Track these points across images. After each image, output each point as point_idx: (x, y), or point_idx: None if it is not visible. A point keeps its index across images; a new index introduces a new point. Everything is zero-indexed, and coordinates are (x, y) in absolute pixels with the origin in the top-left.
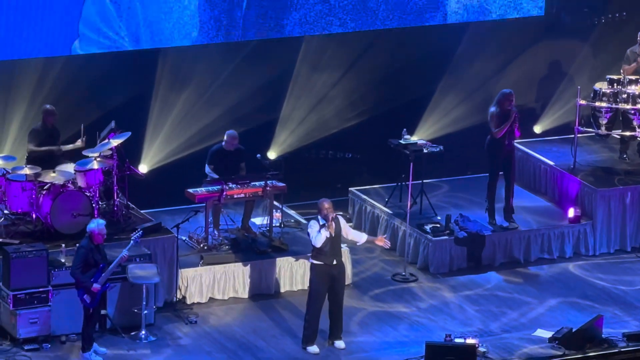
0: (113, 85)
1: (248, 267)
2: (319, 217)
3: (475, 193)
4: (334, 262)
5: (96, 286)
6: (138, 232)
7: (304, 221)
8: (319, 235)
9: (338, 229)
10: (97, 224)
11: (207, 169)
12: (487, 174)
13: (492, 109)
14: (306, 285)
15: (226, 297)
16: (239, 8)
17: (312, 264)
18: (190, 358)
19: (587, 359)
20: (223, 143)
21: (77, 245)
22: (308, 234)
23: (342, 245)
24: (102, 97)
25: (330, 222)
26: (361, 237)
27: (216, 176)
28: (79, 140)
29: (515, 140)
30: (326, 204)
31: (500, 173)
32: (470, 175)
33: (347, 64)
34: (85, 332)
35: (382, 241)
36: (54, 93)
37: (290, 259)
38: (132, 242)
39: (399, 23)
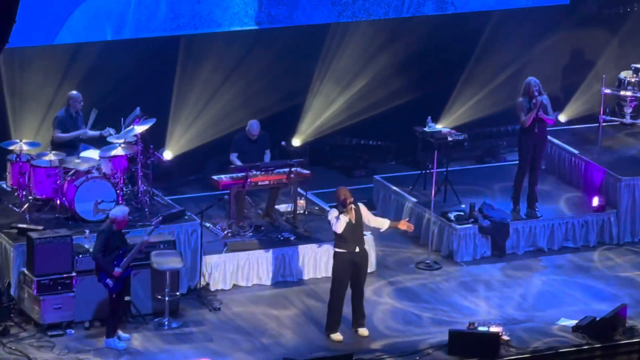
0: (139, 71)
1: (272, 254)
2: (338, 204)
3: (499, 181)
4: (357, 250)
5: (118, 270)
6: (158, 217)
7: (328, 208)
8: (338, 222)
9: (359, 216)
10: (120, 211)
11: (232, 156)
12: (513, 162)
13: (519, 99)
14: (329, 273)
15: (250, 284)
16: None
17: (335, 251)
18: (213, 345)
19: (612, 347)
20: (246, 131)
21: (98, 229)
22: (329, 222)
23: (366, 233)
24: (127, 83)
25: (349, 207)
26: (384, 224)
27: (240, 163)
28: (104, 131)
29: (547, 128)
30: (343, 191)
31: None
32: (494, 164)
33: (373, 52)
34: (110, 318)
35: (405, 225)
36: (78, 79)
37: (314, 246)
38: (152, 226)
39: (425, 10)
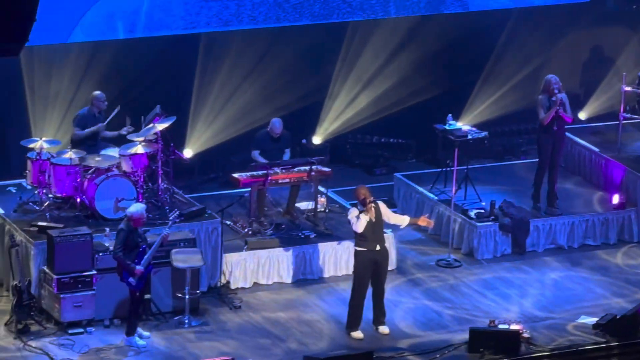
0: (159, 69)
1: (292, 252)
2: (357, 203)
3: (519, 179)
4: (377, 248)
5: (139, 268)
6: (175, 211)
7: (348, 206)
8: (359, 221)
9: (379, 214)
10: (137, 208)
11: (254, 153)
12: (533, 160)
13: (539, 96)
14: (350, 271)
15: (270, 282)
16: None
17: (355, 250)
18: (234, 343)
19: (632, 344)
20: (268, 129)
21: (117, 228)
22: (349, 221)
23: (387, 231)
24: (148, 81)
25: (369, 206)
26: (403, 220)
27: (263, 160)
28: (124, 128)
29: (566, 126)
30: (363, 190)
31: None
32: (514, 161)
33: (393, 50)
34: (131, 317)
35: (425, 221)
36: (99, 77)
37: (335, 244)
38: (170, 221)
39: (444, 9)
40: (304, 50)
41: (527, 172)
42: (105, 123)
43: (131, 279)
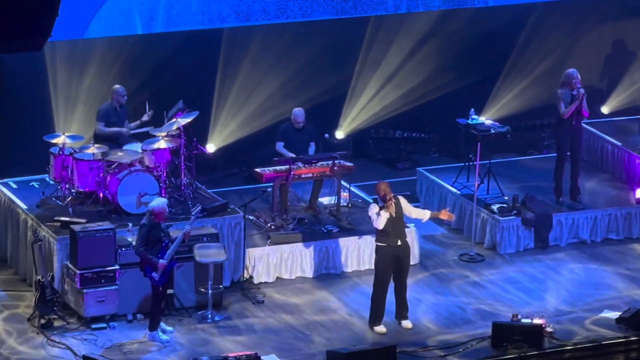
0: (182, 64)
1: (315, 247)
2: (378, 198)
3: (542, 173)
4: (399, 243)
5: (162, 262)
6: (198, 206)
7: (371, 201)
8: (379, 218)
9: (399, 209)
10: (158, 203)
11: (278, 145)
12: (555, 154)
13: (559, 90)
14: (372, 265)
15: (293, 277)
16: None
17: (377, 245)
18: (257, 337)
19: None
20: (291, 119)
21: (140, 223)
22: (369, 217)
23: (409, 226)
24: (170, 76)
25: (389, 203)
26: (425, 215)
27: (288, 152)
28: (145, 115)
29: (583, 120)
30: (383, 186)
31: (568, 153)
32: (537, 155)
33: (415, 45)
34: (154, 312)
35: (446, 214)
36: (121, 72)
37: (356, 238)
38: (192, 217)
39: (467, 3)
40: (327, 44)
41: (549, 167)
42: (130, 126)
43: (154, 274)
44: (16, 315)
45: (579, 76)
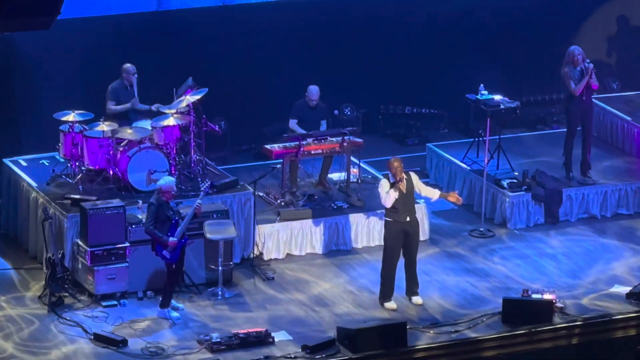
0: (191, 41)
1: (325, 223)
2: (389, 174)
3: (552, 148)
4: (407, 219)
5: (173, 240)
6: (207, 182)
7: (381, 177)
8: (387, 197)
9: (410, 185)
10: (166, 181)
11: (291, 122)
12: (565, 129)
13: (565, 69)
14: (382, 242)
15: (303, 253)
16: None
17: (385, 221)
18: (267, 314)
19: None
20: (306, 96)
21: (148, 202)
22: (378, 194)
23: (419, 201)
24: (180, 53)
25: (399, 182)
26: (434, 194)
27: (300, 130)
28: (154, 105)
29: (593, 95)
30: (395, 163)
31: (578, 128)
32: (547, 131)
33: (426, 20)
34: (166, 289)
35: (454, 197)
36: (131, 50)
37: (367, 214)
38: (202, 192)
39: None
40: (338, 21)
41: (559, 142)
42: (137, 98)
43: (165, 252)
44: (27, 293)
45: (582, 52)
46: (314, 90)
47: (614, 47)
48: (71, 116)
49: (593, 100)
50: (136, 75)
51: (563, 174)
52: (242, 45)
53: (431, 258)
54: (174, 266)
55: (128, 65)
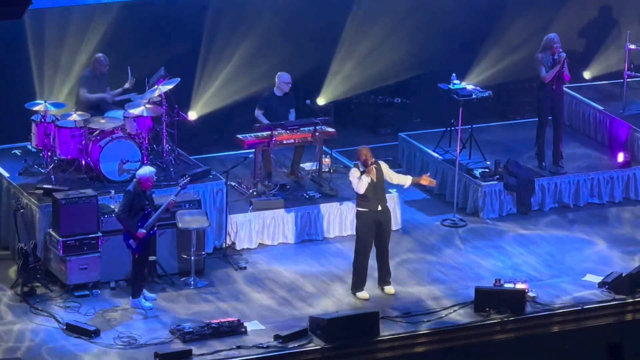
0: (164, 32)
1: (297, 213)
2: (359, 163)
3: (524, 137)
4: (379, 208)
5: (141, 231)
6: (186, 178)
7: (352, 166)
8: (360, 182)
9: (380, 174)
10: (146, 171)
11: (257, 113)
12: (536, 119)
13: (539, 54)
14: (354, 231)
15: (275, 243)
16: None
17: (357, 211)
18: (240, 304)
19: (637, 302)
20: (275, 88)
21: (125, 190)
22: (350, 182)
23: (391, 191)
24: (153, 44)
25: (370, 167)
26: (406, 180)
27: (265, 120)
28: (127, 82)
29: (564, 85)
30: (364, 150)
31: (550, 118)
32: (519, 120)
33: (399, 11)
34: (134, 279)
35: (426, 180)
36: (102, 39)
37: (339, 204)
38: (179, 187)
39: None
40: (311, 13)
41: (531, 131)
42: (112, 93)
43: (131, 241)
44: None
45: (559, 40)
46: (285, 76)
47: (589, 36)
48: (43, 106)
49: (564, 89)
50: (107, 67)
51: (535, 164)
52: (214, 34)
53: (404, 247)
54: (137, 256)
55: (100, 55)
